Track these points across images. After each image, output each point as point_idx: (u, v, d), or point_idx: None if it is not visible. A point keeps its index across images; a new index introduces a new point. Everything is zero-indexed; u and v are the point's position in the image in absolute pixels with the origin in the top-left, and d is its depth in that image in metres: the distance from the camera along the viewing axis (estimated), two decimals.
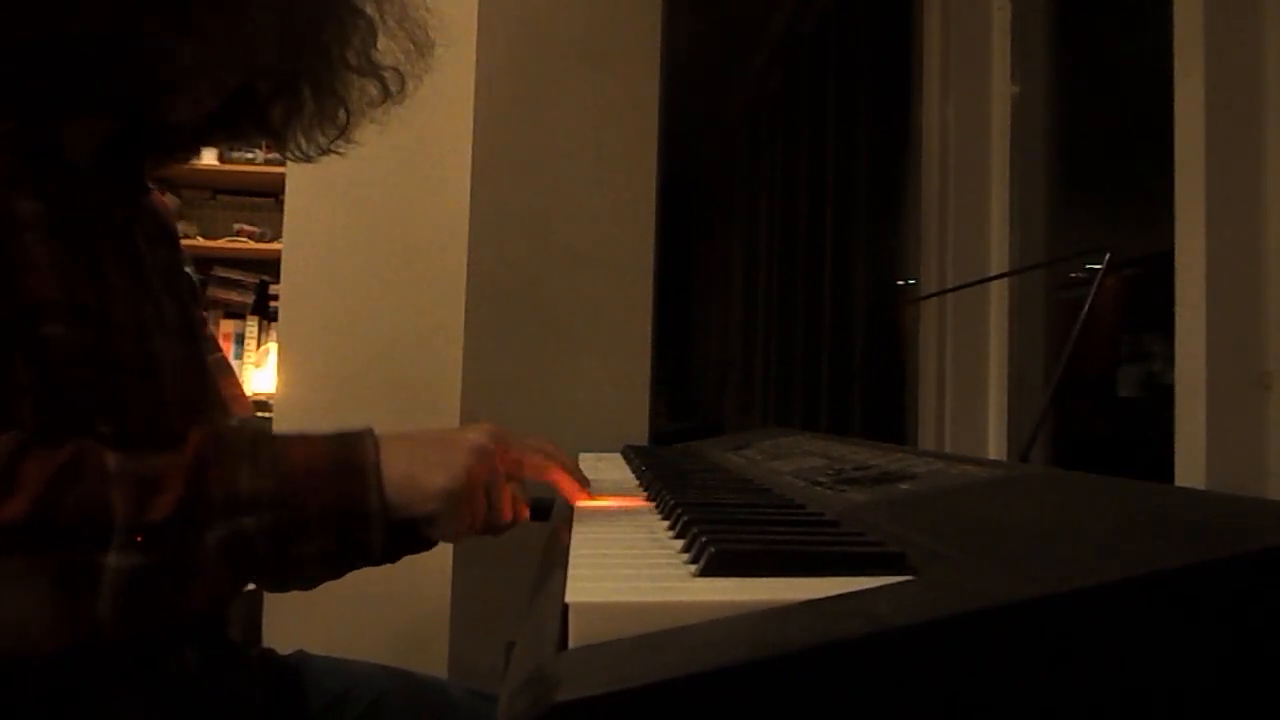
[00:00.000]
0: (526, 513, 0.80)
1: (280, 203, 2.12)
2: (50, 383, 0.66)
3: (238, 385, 0.96)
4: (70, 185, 0.74)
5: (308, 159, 0.89)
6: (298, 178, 1.92)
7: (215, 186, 3.28)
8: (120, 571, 0.57)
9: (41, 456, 0.58)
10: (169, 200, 3.08)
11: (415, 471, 0.67)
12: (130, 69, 0.71)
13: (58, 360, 0.67)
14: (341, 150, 0.89)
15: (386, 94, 0.87)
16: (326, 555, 0.64)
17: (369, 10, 0.84)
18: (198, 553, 0.60)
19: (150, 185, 0.89)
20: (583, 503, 0.81)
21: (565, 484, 0.81)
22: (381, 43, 0.85)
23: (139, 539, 0.57)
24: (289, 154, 0.89)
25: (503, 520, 0.74)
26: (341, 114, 0.86)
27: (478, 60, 1.87)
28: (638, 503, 0.83)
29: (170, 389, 0.78)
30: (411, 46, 0.86)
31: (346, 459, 0.65)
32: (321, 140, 0.88)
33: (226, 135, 0.91)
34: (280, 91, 0.83)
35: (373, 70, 0.85)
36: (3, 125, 0.70)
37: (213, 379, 0.91)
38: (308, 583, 0.69)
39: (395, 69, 0.86)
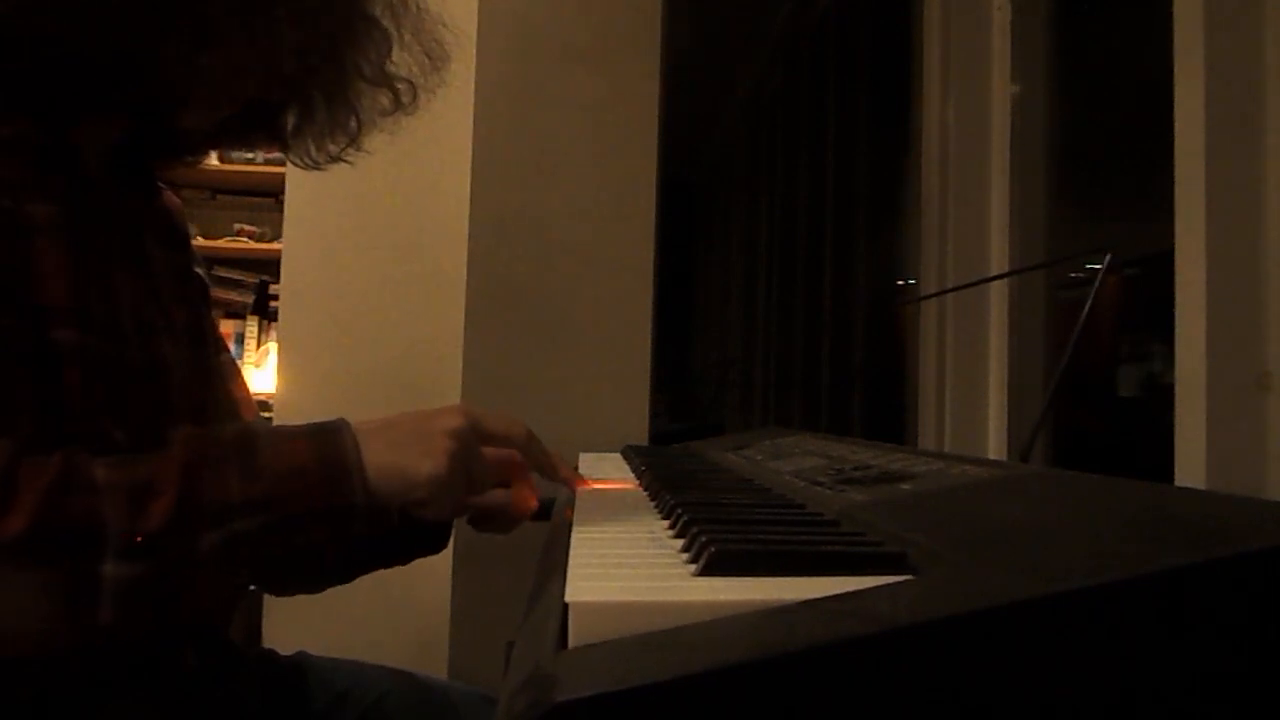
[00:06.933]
0: (534, 502, 0.81)
1: (280, 203, 2.12)
2: (56, 387, 0.66)
3: (244, 388, 0.96)
4: (82, 188, 0.74)
5: (316, 166, 0.89)
6: (298, 178, 1.92)
7: (215, 186, 3.28)
8: (119, 580, 0.57)
9: (34, 468, 0.58)
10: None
11: (399, 461, 0.68)
12: (148, 77, 0.71)
13: (65, 365, 0.67)
14: (350, 159, 0.89)
15: (398, 105, 0.87)
16: (315, 549, 0.67)
17: (385, 22, 0.83)
18: (194, 558, 0.60)
19: (163, 186, 0.89)
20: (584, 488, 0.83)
21: (548, 467, 0.81)
22: (396, 54, 0.84)
23: (135, 548, 0.58)
24: (297, 161, 0.88)
25: (486, 491, 0.76)
26: (353, 123, 0.86)
27: (478, 60, 1.87)
28: (635, 487, 0.84)
29: (176, 392, 0.78)
30: (426, 59, 0.86)
31: (330, 457, 0.66)
32: (332, 149, 0.87)
33: (237, 140, 0.91)
34: (293, 100, 0.83)
35: (386, 81, 0.85)
36: (18, 128, 0.70)
37: (222, 382, 0.91)
38: (309, 581, 0.70)
39: (408, 80, 0.86)
